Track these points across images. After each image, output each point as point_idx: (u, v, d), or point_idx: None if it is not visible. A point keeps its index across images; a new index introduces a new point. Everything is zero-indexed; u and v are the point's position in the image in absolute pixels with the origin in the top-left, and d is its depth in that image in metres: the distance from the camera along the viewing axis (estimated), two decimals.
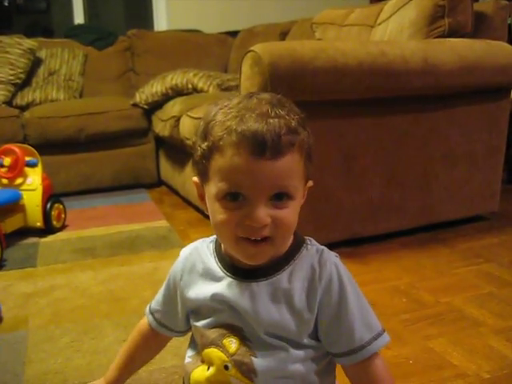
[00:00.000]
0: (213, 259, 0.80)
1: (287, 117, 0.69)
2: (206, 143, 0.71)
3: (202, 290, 0.79)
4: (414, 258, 1.92)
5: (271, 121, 0.67)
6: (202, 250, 0.83)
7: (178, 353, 1.28)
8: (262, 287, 0.75)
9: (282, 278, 0.75)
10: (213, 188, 0.71)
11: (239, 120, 0.67)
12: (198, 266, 0.81)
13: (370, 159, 1.98)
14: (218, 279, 0.78)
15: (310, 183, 0.77)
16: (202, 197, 0.77)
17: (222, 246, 0.79)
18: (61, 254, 2.10)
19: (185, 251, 0.86)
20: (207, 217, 0.73)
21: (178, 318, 0.87)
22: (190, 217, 2.61)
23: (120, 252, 2.10)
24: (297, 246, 0.78)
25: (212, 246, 0.83)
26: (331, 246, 0.80)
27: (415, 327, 1.41)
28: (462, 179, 2.17)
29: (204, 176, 0.73)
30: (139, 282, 1.78)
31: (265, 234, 0.69)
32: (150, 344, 0.95)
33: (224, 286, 0.77)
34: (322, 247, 0.79)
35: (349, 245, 1.98)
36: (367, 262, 1.88)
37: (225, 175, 0.68)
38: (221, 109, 0.71)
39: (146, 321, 0.94)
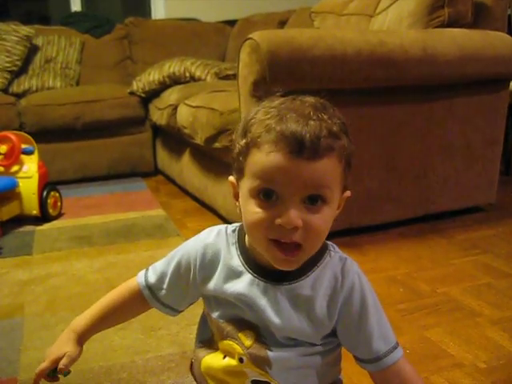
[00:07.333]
0: (234, 250, 0.78)
1: (329, 121, 0.67)
2: (244, 140, 0.70)
3: (221, 284, 0.77)
4: (411, 248, 1.92)
5: (312, 123, 0.65)
6: (224, 238, 0.80)
7: (175, 341, 1.28)
8: (283, 291, 0.74)
9: (305, 284, 0.74)
10: (247, 184, 0.69)
11: (279, 119, 0.66)
12: (219, 255, 0.78)
13: (368, 149, 1.97)
14: (238, 274, 0.76)
15: (348, 193, 0.76)
16: (236, 196, 0.75)
17: (246, 238, 0.77)
18: (57, 242, 2.09)
19: (209, 235, 0.81)
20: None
21: (183, 299, 0.84)
22: (187, 206, 2.60)
23: (116, 240, 2.09)
24: (320, 252, 0.76)
25: (235, 236, 0.79)
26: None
27: (412, 317, 1.41)
28: (459, 170, 2.17)
29: (240, 173, 0.72)
30: (135, 271, 1.74)
31: (295, 238, 0.67)
32: (135, 306, 0.91)
33: (245, 284, 0.75)
34: (345, 256, 0.78)
35: (346, 235, 1.97)
36: (364, 252, 1.88)
37: (260, 171, 0.67)
38: (262, 108, 0.70)
39: (137, 286, 0.89)
